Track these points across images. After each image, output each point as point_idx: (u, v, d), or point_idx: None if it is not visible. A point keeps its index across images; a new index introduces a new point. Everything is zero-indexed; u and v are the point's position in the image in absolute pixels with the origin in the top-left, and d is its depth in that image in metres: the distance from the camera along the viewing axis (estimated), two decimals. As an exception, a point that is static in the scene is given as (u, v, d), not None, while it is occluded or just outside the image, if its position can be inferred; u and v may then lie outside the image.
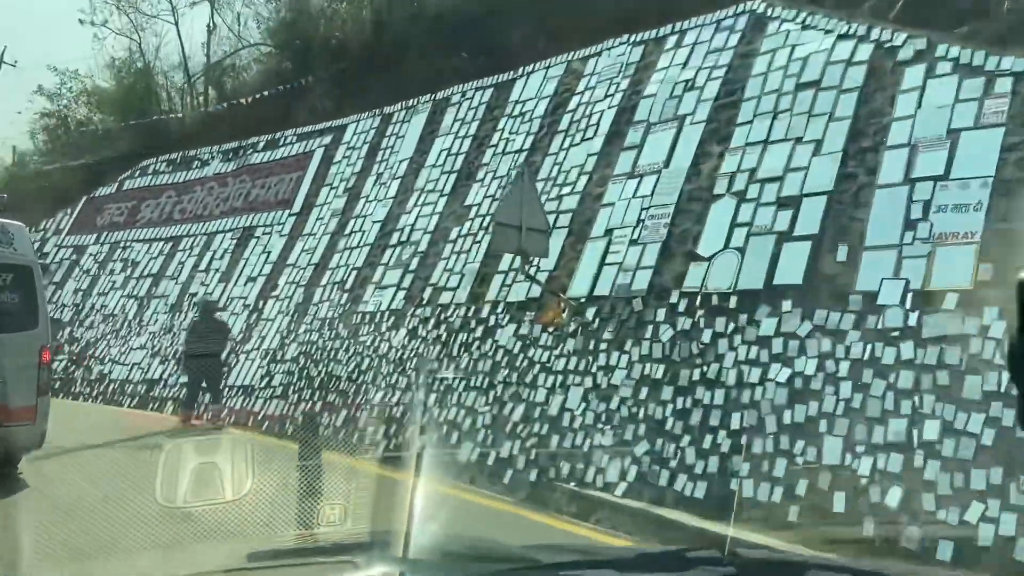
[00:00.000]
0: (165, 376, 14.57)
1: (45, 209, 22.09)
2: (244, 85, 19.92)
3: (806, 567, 1.98)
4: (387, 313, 11.17)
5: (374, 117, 14.09)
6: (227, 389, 12.77)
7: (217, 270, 15.30)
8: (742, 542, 3.44)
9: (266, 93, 18.35)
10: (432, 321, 10.35)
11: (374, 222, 12.62)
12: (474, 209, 11.05)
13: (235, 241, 15.42)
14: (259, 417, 11.90)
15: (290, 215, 14.61)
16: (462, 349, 9.69)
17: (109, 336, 16.51)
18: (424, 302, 10.72)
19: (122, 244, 18.18)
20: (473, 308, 9.93)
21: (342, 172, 14.09)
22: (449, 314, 10.19)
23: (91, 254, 18.81)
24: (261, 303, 13.73)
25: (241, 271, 14.70)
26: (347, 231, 13.07)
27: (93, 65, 34.75)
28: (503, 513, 7.10)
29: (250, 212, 15.62)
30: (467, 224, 10.98)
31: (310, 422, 7.09)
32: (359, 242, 12.65)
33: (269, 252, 14.43)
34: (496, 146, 11.42)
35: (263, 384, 12.41)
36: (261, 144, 16.67)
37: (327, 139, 15.00)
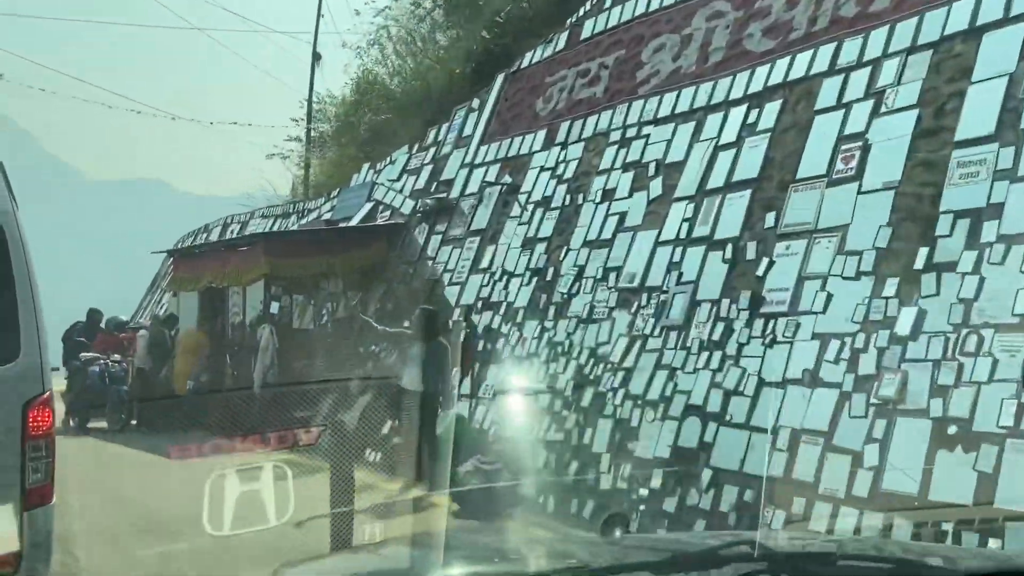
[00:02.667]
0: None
1: (424, 119, 13.29)
2: None
3: (837, 557, 1.92)
4: None
5: None
6: None
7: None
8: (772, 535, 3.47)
9: None
10: None
11: None
12: None
13: None
14: None
15: None
16: None
17: (656, 340, 6.83)
18: None
19: (620, 135, 8.47)
20: None
21: None
22: None
23: (546, 170, 9.38)
24: None
25: None
26: None
27: None
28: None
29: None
30: None
31: (340, 436, 5.63)
32: None
33: None
34: None
35: None
36: None
37: None
